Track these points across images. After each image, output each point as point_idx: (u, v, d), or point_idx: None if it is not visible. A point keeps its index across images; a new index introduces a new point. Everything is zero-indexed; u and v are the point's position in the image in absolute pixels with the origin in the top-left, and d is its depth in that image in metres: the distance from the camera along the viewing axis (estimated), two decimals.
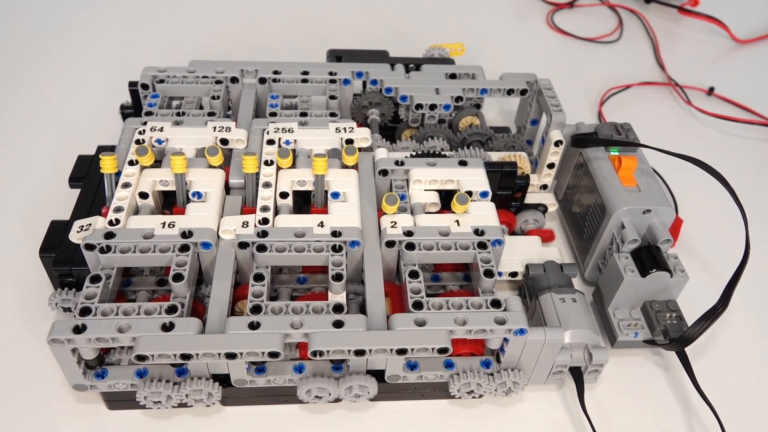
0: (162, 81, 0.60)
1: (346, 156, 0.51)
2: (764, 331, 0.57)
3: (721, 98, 0.83)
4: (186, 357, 0.40)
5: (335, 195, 0.50)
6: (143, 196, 0.49)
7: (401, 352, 0.42)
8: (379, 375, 0.46)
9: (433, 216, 0.50)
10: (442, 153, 0.56)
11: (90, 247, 0.45)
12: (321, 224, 0.47)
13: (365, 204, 0.50)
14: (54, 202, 0.61)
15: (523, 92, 0.64)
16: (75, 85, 0.78)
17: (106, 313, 0.42)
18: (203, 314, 0.46)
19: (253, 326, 0.41)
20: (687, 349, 0.49)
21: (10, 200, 0.62)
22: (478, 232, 0.48)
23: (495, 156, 0.59)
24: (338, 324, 0.42)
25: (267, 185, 0.50)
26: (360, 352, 0.41)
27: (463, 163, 0.53)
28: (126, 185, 0.49)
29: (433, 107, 0.62)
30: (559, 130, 0.60)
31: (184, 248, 0.45)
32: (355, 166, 0.53)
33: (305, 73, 0.62)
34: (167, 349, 0.40)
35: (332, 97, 0.61)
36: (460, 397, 0.48)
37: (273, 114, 0.58)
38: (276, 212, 0.49)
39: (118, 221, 0.46)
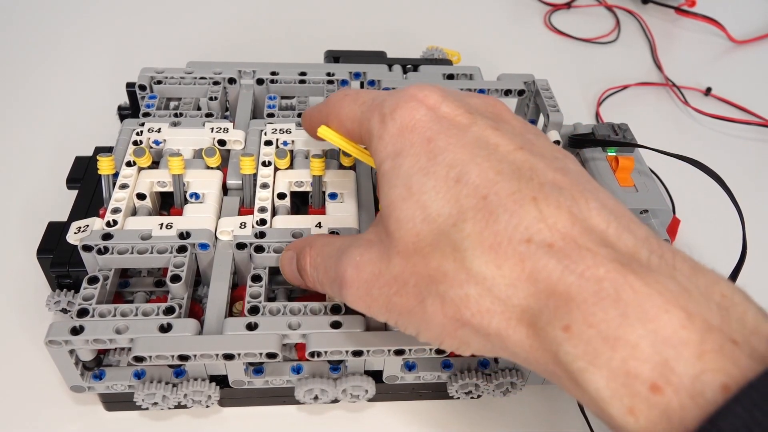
0: (159, 82, 0.60)
1: (343, 157, 0.51)
2: None
3: (718, 98, 0.83)
4: (184, 358, 0.40)
5: (333, 196, 0.50)
6: (141, 197, 0.49)
7: (399, 352, 0.42)
8: (377, 376, 0.46)
9: None
10: None
11: (87, 248, 0.45)
12: (319, 225, 0.47)
13: (363, 205, 0.50)
14: (51, 204, 0.60)
15: (520, 93, 0.64)
16: (72, 86, 0.78)
17: (103, 314, 0.42)
18: (201, 315, 0.46)
19: (251, 327, 0.41)
20: None
21: (7, 201, 0.62)
22: None
23: None
24: (336, 325, 0.42)
25: (264, 186, 0.50)
26: (358, 353, 0.42)
27: None
28: (123, 186, 0.49)
29: None
30: (556, 130, 0.60)
31: (182, 249, 0.45)
32: (353, 167, 0.53)
33: (303, 74, 0.62)
34: (165, 350, 0.40)
35: None
36: (458, 398, 0.48)
37: (271, 115, 0.58)
38: (274, 213, 0.49)
39: (115, 222, 0.46)
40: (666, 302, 0.25)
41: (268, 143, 0.54)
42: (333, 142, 0.40)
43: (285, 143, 0.54)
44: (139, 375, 0.44)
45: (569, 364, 0.26)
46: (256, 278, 0.45)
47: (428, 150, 0.32)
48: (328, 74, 0.62)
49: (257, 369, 0.45)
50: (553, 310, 0.26)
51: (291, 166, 0.52)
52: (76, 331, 0.40)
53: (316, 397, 0.45)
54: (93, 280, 0.44)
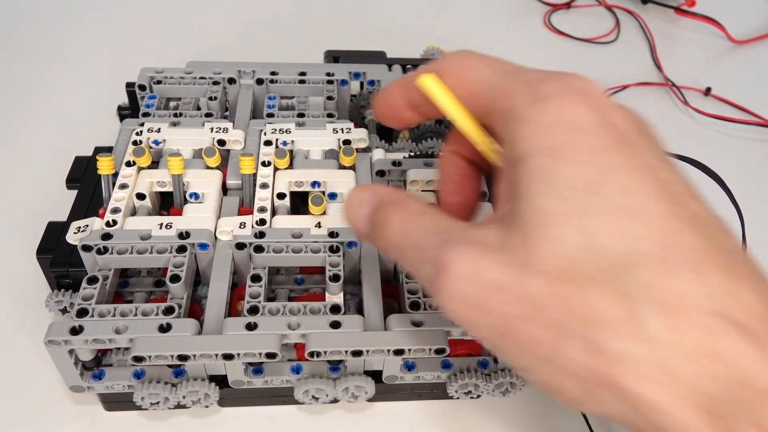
0: (159, 82, 0.60)
1: (343, 156, 0.51)
2: None
3: (717, 98, 0.83)
4: (183, 358, 0.40)
5: (332, 196, 0.50)
6: (140, 197, 0.49)
7: (398, 352, 0.42)
8: (376, 376, 0.46)
9: None
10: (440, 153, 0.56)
11: (87, 248, 0.45)
12: (318, 225, 0.47)
13: None
14: (51, 204, 0.60)
15: None
16: (72, 86, 0.78)
17: (103, 314, 0.42)
18: (200, 315, 0.46)
19: (251, 327, 0.41)
20: None
21: (6, 201, 0.62)
22: None
23: None
24: (335, 325, 0.42)
25: (264, 186, 0.50)
26: (357, 353, 0.41)
27: None
28: (123, 186, 0.49)
29: None
30: None
31: (182, 249, 0.45)
32: (353, 167, 0.53)
33: (302, 74, 0.62)
34: (164, 350, 0.40)
35: (329, 98, 0.61)
36: (457, 398, 0.48)
37: (270, 115, 0.58)
38: (273, 213, 0.49)
39: (115, 222, 0.46)
40: None
41: (268, 143, 0.54)
42: (438, 98, 0.32)
43: (284, 143, 0.54)
44: (138, 375, 0.44)
45: None
46: (256, 278, 0.45)
47: (598, 162, 0.26)
48: (328, 74, 0.62)
49: (257, 369, 0.45)
50: (745, 403, 0.23)
51: (290, 166, 0.52)
52: (76, 331, 0.40)
53: (315, 398, 0.45)
54: (92, 280, 0.44)
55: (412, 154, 0.55)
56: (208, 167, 0.51)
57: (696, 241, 0.25)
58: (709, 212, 0.27)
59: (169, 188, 0.50)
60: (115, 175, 0.50)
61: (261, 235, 0.46)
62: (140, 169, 0.51)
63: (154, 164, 0.52)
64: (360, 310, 0.46)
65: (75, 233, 0.45)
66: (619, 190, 0.26)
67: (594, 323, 0.25)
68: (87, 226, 0.46)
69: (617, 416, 0.26)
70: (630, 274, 0.24)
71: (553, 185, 0.26)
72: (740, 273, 0.25)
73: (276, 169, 0.52)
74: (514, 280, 0.26)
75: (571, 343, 0.25)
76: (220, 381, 0.45)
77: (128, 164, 0.51)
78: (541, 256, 0.26)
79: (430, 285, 0.29)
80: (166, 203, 0.53)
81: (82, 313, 0.42)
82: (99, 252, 0.45)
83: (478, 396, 0.48)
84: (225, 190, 0.52)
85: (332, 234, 0.47)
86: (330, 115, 0.58)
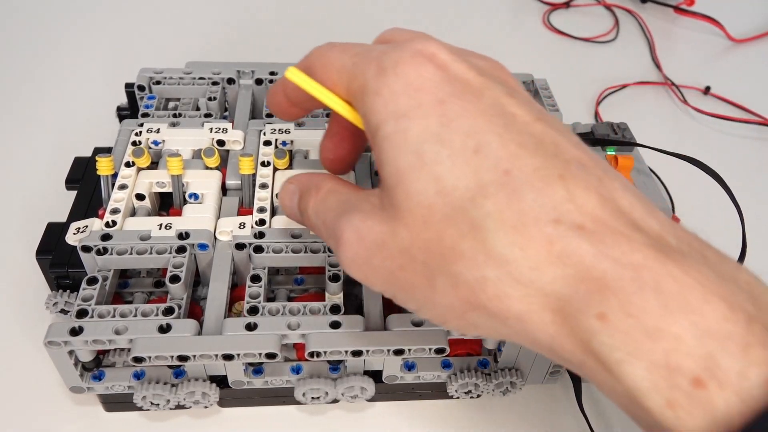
0: (158, 82, 0.60)
1: None
2: None
3: (717, 97, 0.83)
4: (183, 358, 0.40)
5: None
6: (140, 197, 0.49)
7: (398, 352, 0.42)
8: (376, 376, 0.46)
9: None
10: None
11: (87, 248, 0.45)
12: None
13: None
14: (50, 204, 0.60)
15: None
16: (71, 86, 0.78)
17: (102, 315, 0.42)
18: (200, 316, 0.46)
19: (250, 327, 0.41)
20: None
21: (6, 202, 0.62)
22: None
23: None
24: (335, 325, 0.42)
25: (264, 186, 0.50)
26: (357, 353, 0.42)
27: None
28: (122, 187, 0.49)
29: None
30: None
31: (181, 250, 0.45)
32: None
33: None
34: (164, 350, 0.40)
35: None
36: (457, 397, 0.48)
37: (269, 115, 0.58)
38: (273, 213, 0.49)
39: (114, 223, 0.46)
40: (707, 292, 0.23)
41: (267, 143, 0.54)
42: (306, 87, 0.34)
43: (284, 143, 0.54)
44: (138, 376, 0.44)
45: (605, 354, 0.24)
46: (256, 278, 0.45)
47: (440, 114, 0.28)
48: None
49: (257, 369, 0.45)
50: (585, 296, 0.25)
51: (290, 166, 0.52)
52: (76, 331, 0.40)
53: (315, 398, 0.45)
54: (92, 281, 0.44)
55: None
56: (207, 167, 0.51)
57: (533, 161, 0.27)
58: (554, 130, 0.29)
59: (168, 189, 0.50)
60: (115, 175, 0.50)
61: (260, 235, 0.46)
62: (140, 169, 0.51)
63: (154, 165, 0.52)
64: (360, 310, 0.46)
65: (74, 234, 0.45)
66: (463, 134, 0.28)
67: (452, 259, 0.27)
68: (86, 226, 0.46)
69: (495, 334, 0.29)
70: (476, 206, 0.27)
71: (405, 144, 0.29)
72: (578, 179, 0.27)
73: (275, 169, 0.52)
74: (390, 237, 0.29)
75: (440, 281, 0.28)
76: (220, 381, 0.45)
77: (127, 165, 0.51)
78: (404, 210, 0.29)
79: (336, 256, 0.33)
80: (166, 204, 0.53)
81: (82, 314, 0.42)
82: (98, 253, 0.45)
83: (478, 396, 0.48)
84: (224, 190, 0.52)
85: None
86: (329, 115, 0.58)
